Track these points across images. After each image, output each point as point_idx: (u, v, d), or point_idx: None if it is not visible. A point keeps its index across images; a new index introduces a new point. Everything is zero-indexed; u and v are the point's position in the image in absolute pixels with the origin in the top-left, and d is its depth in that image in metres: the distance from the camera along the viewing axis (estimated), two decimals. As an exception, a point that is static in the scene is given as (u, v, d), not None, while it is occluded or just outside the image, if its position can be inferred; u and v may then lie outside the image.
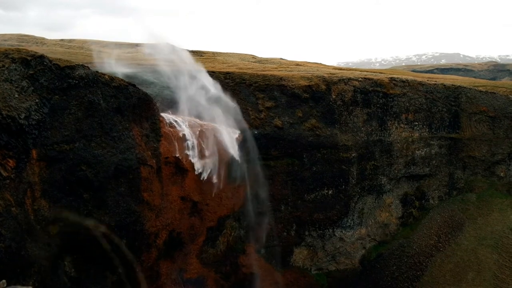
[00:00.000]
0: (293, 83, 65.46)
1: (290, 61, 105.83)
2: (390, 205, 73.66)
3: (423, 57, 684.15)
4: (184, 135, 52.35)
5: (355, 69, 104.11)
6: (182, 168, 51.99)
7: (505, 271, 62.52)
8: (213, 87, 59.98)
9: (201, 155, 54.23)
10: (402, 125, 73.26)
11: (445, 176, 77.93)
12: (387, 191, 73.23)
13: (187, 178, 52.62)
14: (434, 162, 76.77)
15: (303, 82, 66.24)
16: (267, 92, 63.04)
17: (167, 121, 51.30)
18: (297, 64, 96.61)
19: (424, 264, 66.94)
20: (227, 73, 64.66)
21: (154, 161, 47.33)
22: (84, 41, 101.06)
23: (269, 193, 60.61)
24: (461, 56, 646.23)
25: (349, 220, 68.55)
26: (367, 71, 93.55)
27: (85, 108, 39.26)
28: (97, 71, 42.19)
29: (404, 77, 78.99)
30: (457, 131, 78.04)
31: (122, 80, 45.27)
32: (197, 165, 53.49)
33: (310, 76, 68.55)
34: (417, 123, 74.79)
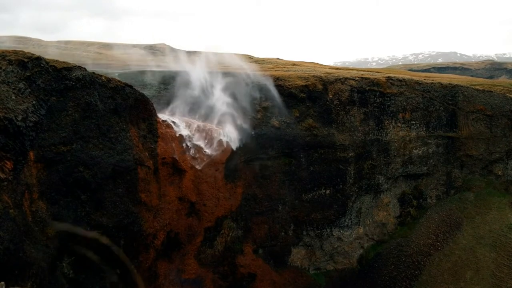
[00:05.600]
0: (289, 83, 65.52)
1: (286, 61, 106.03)
2: (387, 204, 73.75)
3: (420, 56, 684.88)
4: (181, 135, 52.53)
5: (352, 69, 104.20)
6: (179, 168, 52.09)
7: (503, 269, 62.58)
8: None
9: (198, 156, 54.32)
10: (399, 124, 73.34)
11: (443, 175, 78.03)
12: (385, 191, 73.33)
13: (185, 179, 52.69)
14: (431, 161, 76.88)
15: (300, 82, 66.28)
16: (264, 92, 63.10)
17: (164, 122, 51.40)
18: (294, 64, 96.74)
19: (422, 263, 66.98)
20: (224, 73, 64.78)
21: (151, 161, 47.39)
22: (82, 42, 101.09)
23: (267, 193, 60.62)
24: (458, 55, 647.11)
25: (346, 220, 68.62)
26: (363, 71, 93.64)
27: (82, 110, 39.26)
28: (93, 72, 42.19)
29: (401, 76, 79.08)
30: (455, 130, 78.13)
31: (119, 81, 45.29)
32: (194, 165, 53.62)
33: (306, 76, 68.60)
34: (414, 122, 74.87)
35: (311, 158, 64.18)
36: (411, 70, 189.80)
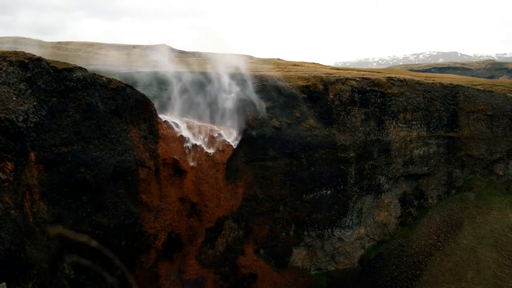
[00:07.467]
0: (290, 84, 65.58)
1: (287, 61, 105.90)
2: (388, 205, 73.69)
3: (421, 56, 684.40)
4: (182, 136, 52.55)
5: (353, 69, 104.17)
6: (180, 169, 52.11)
7: (504, 269, 62.55)
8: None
9: (199, 156, 54.35)
10: (400, 125, 73.31)
11: (444, 175, 77.97)
12: (386, 191, 73.28)
13: (186, 179, 52.72)
14: (432, 161, 76.82)
15: (301, 82, 66.34)
16: (265, 92, 63.14)
17: (165, 123, 51.42)
18: (295, 64, 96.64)
19: (423, 263, 66.94)
20: (225, 74, 64.77)
21: (152, 162, 47.39)
22: (82, 43, 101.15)
23: (268, 193, 60.62)
24: (459, 55, 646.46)
25: (348, 220, 68.57)
26: (364, 71, 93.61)
27: (83, 111, 39.27)
28: (94, 73, 42.23)
29: (401, 76, 79.05)
30: (455, 130, 78.09)
31: (119, 82, 45.33)
32: (195, 165, 53.66)
33: (307, 76, 68.64)
34: (415, 122, 74.83)
35: (312, 159, 64.13)
36: (411, 70, 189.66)
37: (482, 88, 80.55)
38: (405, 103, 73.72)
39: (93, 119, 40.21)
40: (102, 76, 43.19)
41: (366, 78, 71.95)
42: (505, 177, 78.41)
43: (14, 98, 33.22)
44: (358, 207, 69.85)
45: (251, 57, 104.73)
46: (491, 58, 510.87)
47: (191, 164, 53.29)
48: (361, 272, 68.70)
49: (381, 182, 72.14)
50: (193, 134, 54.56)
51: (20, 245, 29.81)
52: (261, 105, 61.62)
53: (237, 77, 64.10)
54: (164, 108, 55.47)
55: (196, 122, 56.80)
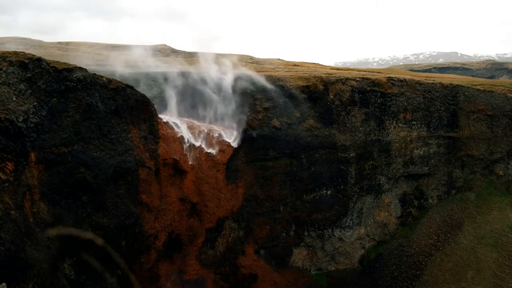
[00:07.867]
0: (290, 84, 65.56)
1: (287, 61, 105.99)
2: (389, 205, 73.67)
3: (421, 56, 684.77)
4: (182, 136, 52.52)
5: (353, 69, 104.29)
6: (180, 169, 52.08)
7: (504, 269, 62.52)
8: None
9: (200, 156, 54.32)
10: (400, 125, 73.29)
11: (444, 175, 77.95)
12: (386, 191, 73.25)
13: (186, 180, 52.70)
14: (432, 161, 76.81)
15: (301, 83, 66.32)
16: (265, 93, 63.12)
17: (165, 123, 51.40)
18: (295, 64, 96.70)
19: (423, 263, 66.92)
20: (226, 74, 64.83)
21: (152, 162, 47.36)
22: (82, 44, 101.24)
23: (268, 193, 60.62)
24: (459, 55, 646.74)
25: (348, 220, 68.55)
26: (364, 71, 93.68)
27: (83, 111, 39.22)
28: (94, 74, 42.19)
29: (401, 76, 79.05)
30: (456, 130, 78.09)
31: (119, 82, 45.29)
32: (195, 166, 53.65)
33: (307, 77, 68.63)
34: (415, 123, 74.82)
35: (312, 159, 64.12)
36: (412, 70, 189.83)
37: (482, 88, 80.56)
38: (405, 103, 73.72)
39: (93, 119, 40.18)
40: (102, 76, 43.17)
41: (366, 78, 71.95)
42: (505, 177, 78.42)
43: (14, 98, 33.18)
44: (358, 207, 69.84)
45: (251, 58, 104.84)
46: (491, 58, 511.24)
47: (191, 164, 53.29)
48: (361, 272, 68.69)
49: (381, 182, 72.13)
50: (193, 134, 54.54)
51: (20, 246, 29.75)
52: (261, 105, 61.47)
53: (237, 77, 64.09)
54: (164, 108, 55.47)
55: (196, 122, 56.82)
